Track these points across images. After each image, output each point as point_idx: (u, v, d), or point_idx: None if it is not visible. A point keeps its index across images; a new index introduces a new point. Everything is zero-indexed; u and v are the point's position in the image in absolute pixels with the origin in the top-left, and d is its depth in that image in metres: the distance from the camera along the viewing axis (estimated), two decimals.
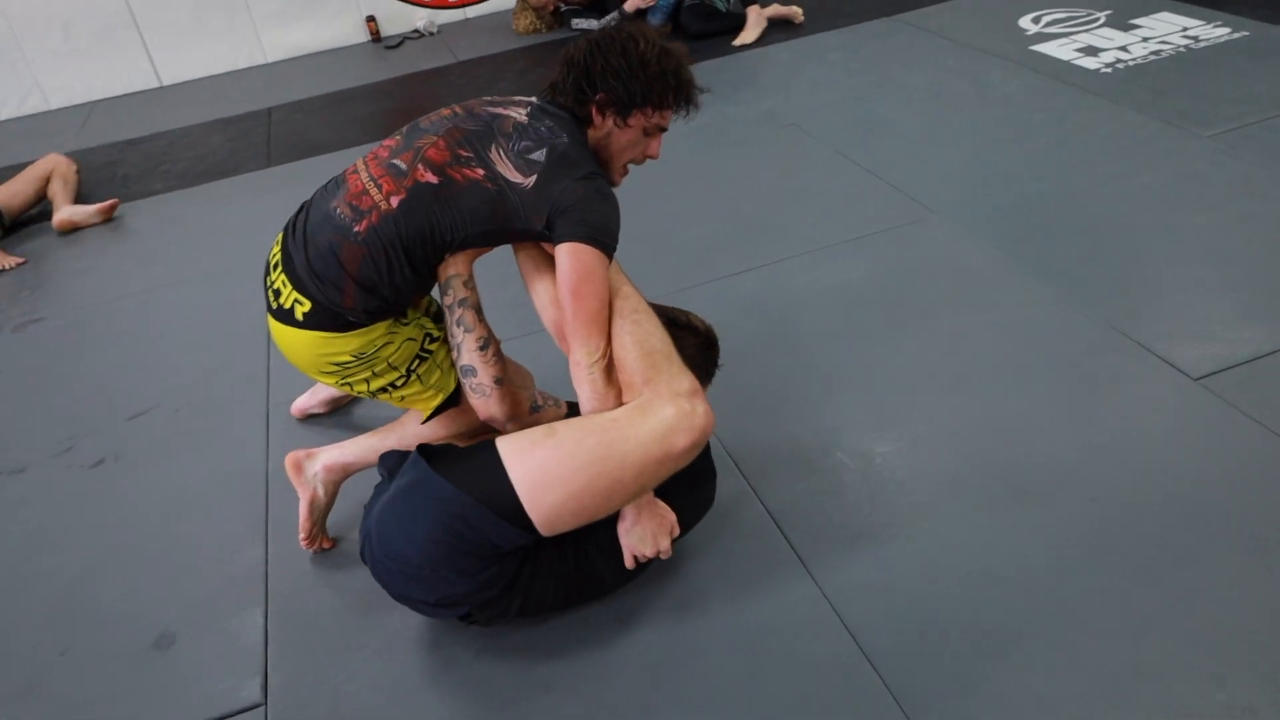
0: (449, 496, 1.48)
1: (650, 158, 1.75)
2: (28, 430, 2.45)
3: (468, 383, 1.70)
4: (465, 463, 1.54)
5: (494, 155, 1.61)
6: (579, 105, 1.66)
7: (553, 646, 1.64)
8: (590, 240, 1.57)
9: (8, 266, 3.37)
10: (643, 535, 1.57)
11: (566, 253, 1.56)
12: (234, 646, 1.73)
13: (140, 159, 4.24)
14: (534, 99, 1.73)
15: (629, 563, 1.59)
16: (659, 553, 1.58)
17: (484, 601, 1.54)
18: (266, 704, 1.61)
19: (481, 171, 1.60)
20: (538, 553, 1.54)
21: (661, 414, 1.48)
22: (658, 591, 1.70)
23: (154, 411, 2.45)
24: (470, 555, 1.49)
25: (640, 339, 1.57)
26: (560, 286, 1.57)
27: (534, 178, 1.60)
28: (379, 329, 1.68)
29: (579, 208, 1.58)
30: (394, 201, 1.60)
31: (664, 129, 1.71)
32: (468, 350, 1.69)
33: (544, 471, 1.47)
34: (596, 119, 1.67)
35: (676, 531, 1.60)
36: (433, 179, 1.60)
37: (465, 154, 1.62)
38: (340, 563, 1.88)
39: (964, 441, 1.94)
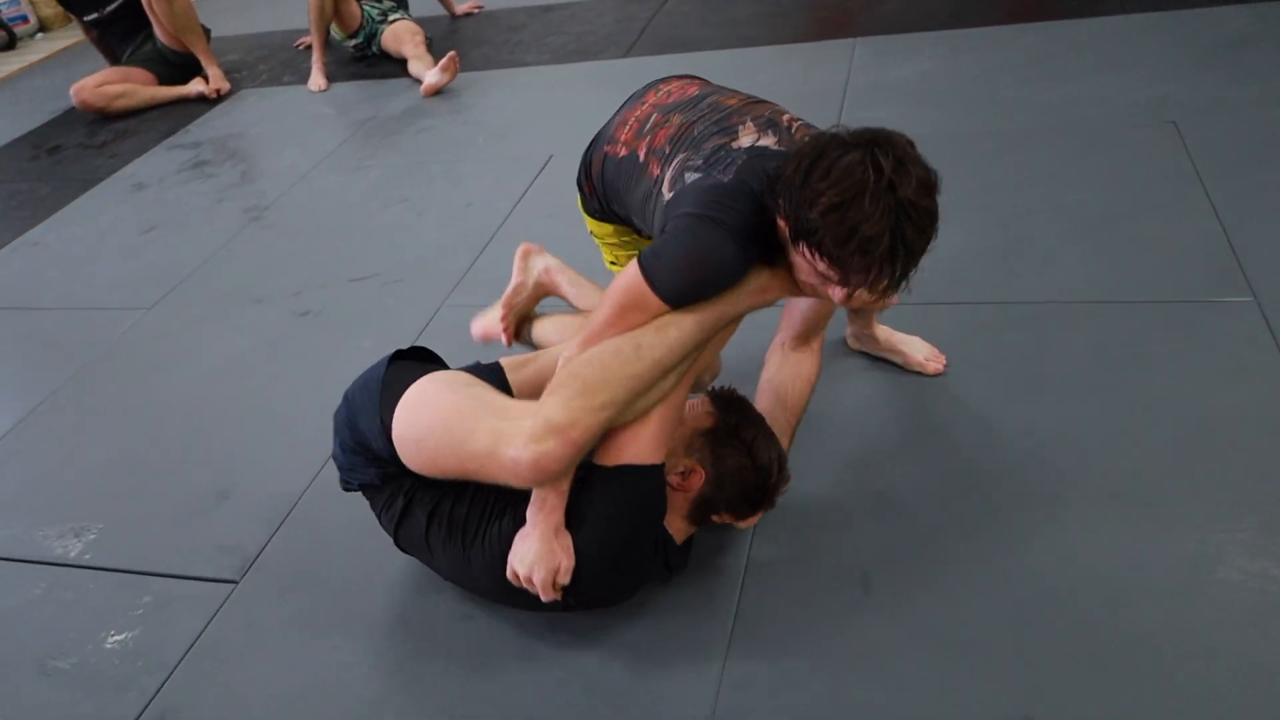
0: (373, 377, 1.59)
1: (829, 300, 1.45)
2: (296, 268, 2.88)
3: None
4: (410, 368, 1.60)
5: (676, 161, 1.53)
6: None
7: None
8: (646, 268, 1.41)
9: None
10: (523, 555, 1.45)
11: (626, 268, 1.45)
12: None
13: (541, 27, 4.55)
14: (778, 135, 1.52)
15: (509, 574, 1.48)
16: (526, 582, 1.46)
17: (371, 495, 1.64)
18: None
19: (658, 171, 1.57)
20: (413, 491, 1.57)
21: (516, 422, 1.38)
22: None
23: (370, 280, 2.73)
24: (358, 438, 1.57)
25: (595, 360, 1.42)
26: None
27: (671, 195, 1.49)
28: (609, 228, 1.87)
29: (666, 238, 1.43)
30: (621, 151, 1.68)
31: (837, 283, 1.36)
32: None
33: (416, 401, 1.50)
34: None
35: (562, 578, 1.46)
36: (641, 157, 1.63)
37: (669, 150, 1.57)
38: None
39: None
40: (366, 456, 1.58)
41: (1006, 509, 1.66)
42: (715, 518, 1.58)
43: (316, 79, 4.37)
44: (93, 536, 2.00)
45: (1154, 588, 1.48)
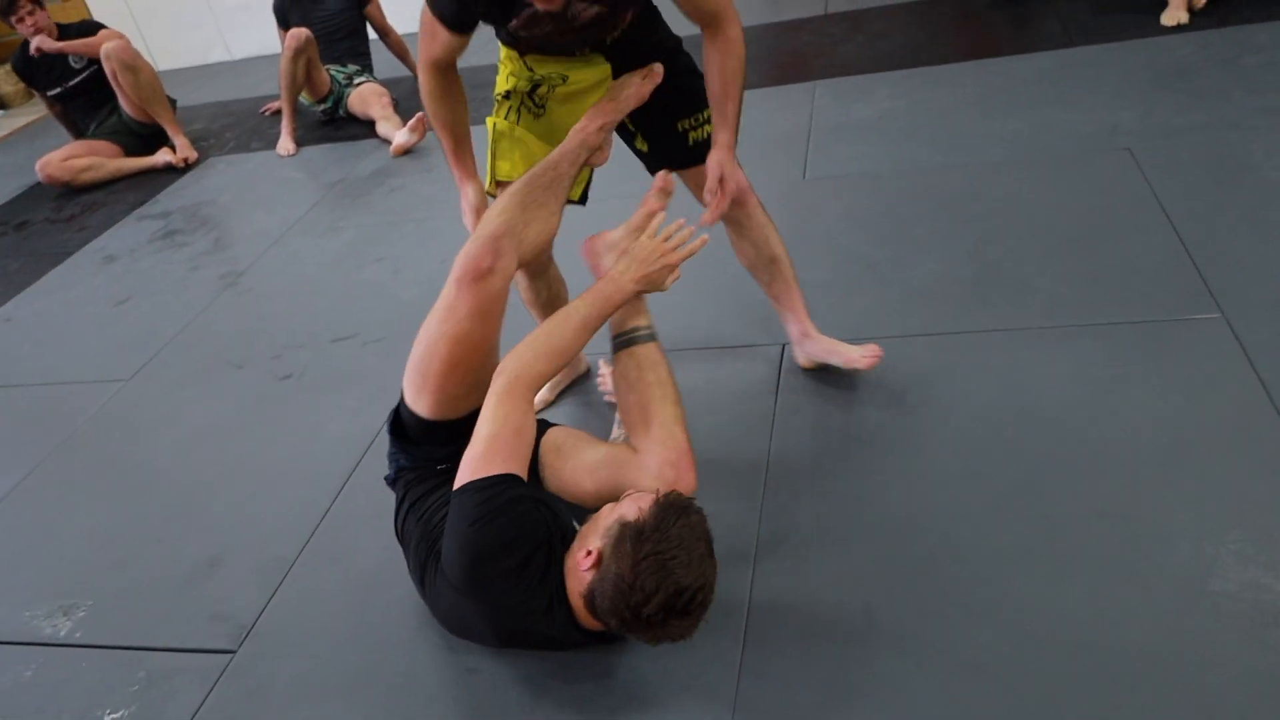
0: None
1: None
2: (275, 331, 2.88)
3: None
4: None
5: None
6: None
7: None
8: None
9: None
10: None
11: None
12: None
13: None
14: None
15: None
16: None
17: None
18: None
19: None
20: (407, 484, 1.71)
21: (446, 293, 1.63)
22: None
23: (351, 340, 2.74)
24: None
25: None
26: None
27: None
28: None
29: None
30: None
31: None
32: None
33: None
34: None
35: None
36: None
37: None
38: None
39: None
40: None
41: (998, 533, 1.68)
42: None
43: (285, 144, 4.39)
44: (82, 614, 1.97)
45: (1149, 602, 1.51)
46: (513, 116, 1.88)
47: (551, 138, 1.87)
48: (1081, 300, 2.22)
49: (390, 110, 4.37)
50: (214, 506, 2.20)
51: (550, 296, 2.08)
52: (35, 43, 4.37)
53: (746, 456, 1.98)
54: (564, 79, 1.85)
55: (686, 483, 1.58)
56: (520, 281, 2.04)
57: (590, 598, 1.43)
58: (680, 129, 1.94)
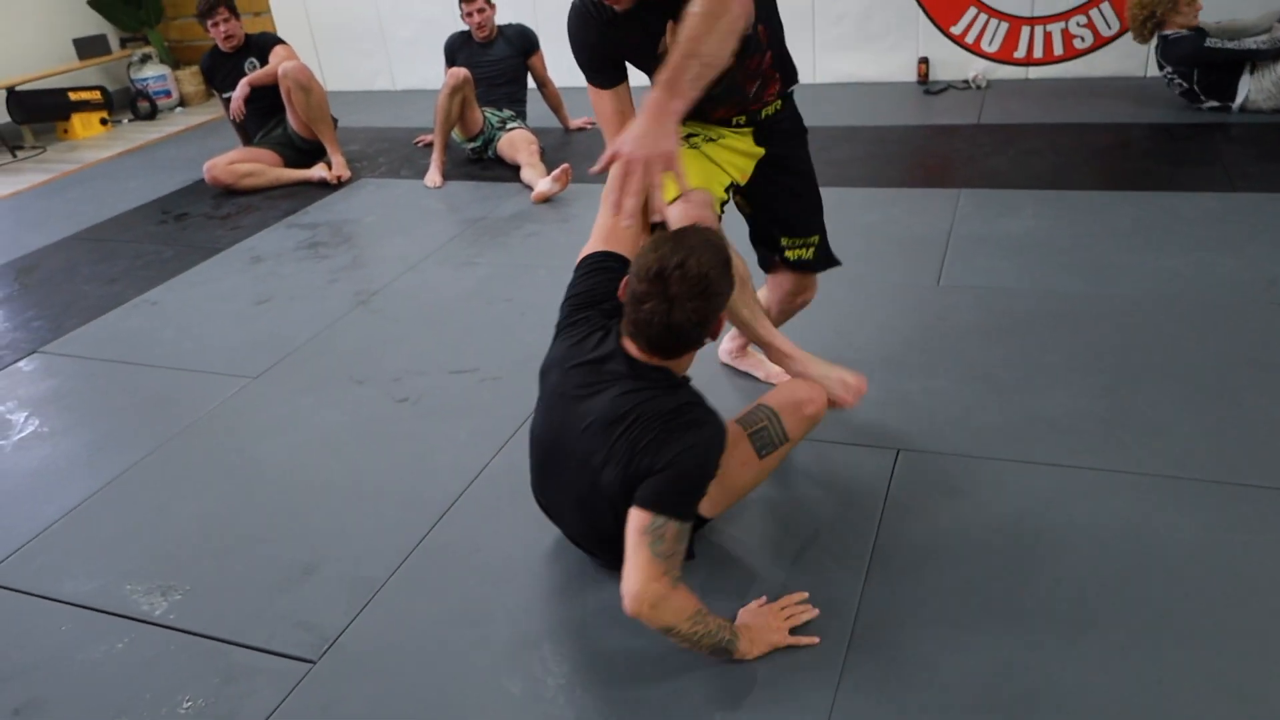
0: None
1: None
2: (398, 354, 2.97)
3: None
4: None
5: None
6: None
7: None
8: None
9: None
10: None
11: None
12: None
13: None
14: None
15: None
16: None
17: None
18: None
19: None
20: None
21: None
22: None
23: (470, 374, 2.80)
24: None
25: None
26: None
27: None
28: None
29: None
30: None
31: None
32: None
33: None
34: None
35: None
36: None
37: None
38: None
39: None
40: None
41: (1106, 687, 1.59)
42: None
43: (433, 175, 4.58)
44: (178, 597, 2.03)
45: None
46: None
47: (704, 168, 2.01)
48: (1218, 456, 2.12)
49: (536, 158, 4.51)
50: (316, 515, 2.26)
51: None
52: (233, 108, 4.76)
53: (844, 561, 1.93)
54: (719, 136, 1.99)
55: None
56: None
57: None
58: (783, 242, 2.18)
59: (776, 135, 2.06)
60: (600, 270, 1.84)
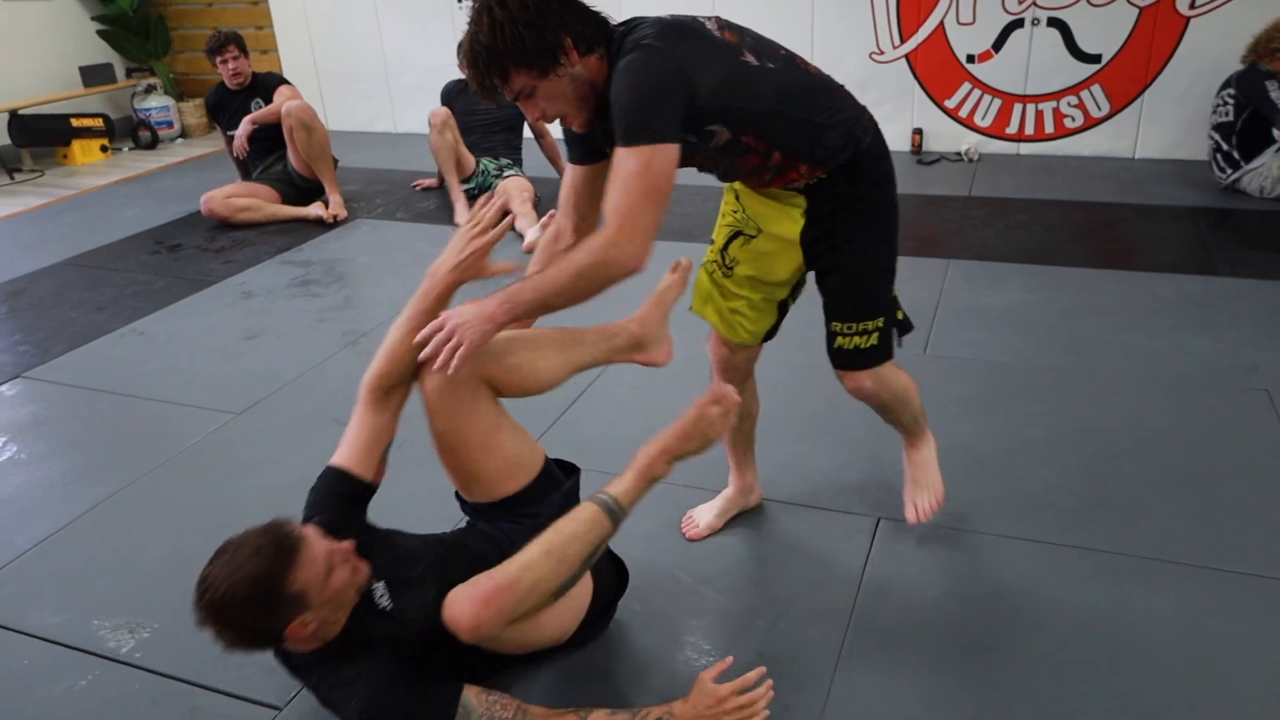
0: None
1: None
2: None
3: None
4: None
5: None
6: None
7: None
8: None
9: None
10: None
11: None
12: None
13: None
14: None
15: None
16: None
17: None
18: None
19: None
20: None
21: None
22: None
23: None
24: None
25: None
26: None
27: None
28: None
29: None
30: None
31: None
32: None
33: None
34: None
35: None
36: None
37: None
38: None
39: None
40: None
41: None
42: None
43: (462, 213, 4.56)
44: (146, 635, 2.00)
45: None
46: (711, 268, 2.01)
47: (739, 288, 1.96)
48: (1197, 539, 2.13)
49: (529, 207, 4.55)
50: None
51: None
52: (236, 146, 4.80)
53: (821, 629, 1.92)
54: (758, 231, 1.88)
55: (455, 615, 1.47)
56: None
57: None
58: (833, 327, 1.88)
59: (826, 200, 1.79)
60: (325, 501, 1.76)
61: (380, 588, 1.62)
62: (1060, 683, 1.76)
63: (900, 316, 1.93)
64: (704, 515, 2.25)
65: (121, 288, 4.06)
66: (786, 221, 1.83)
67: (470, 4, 1.54)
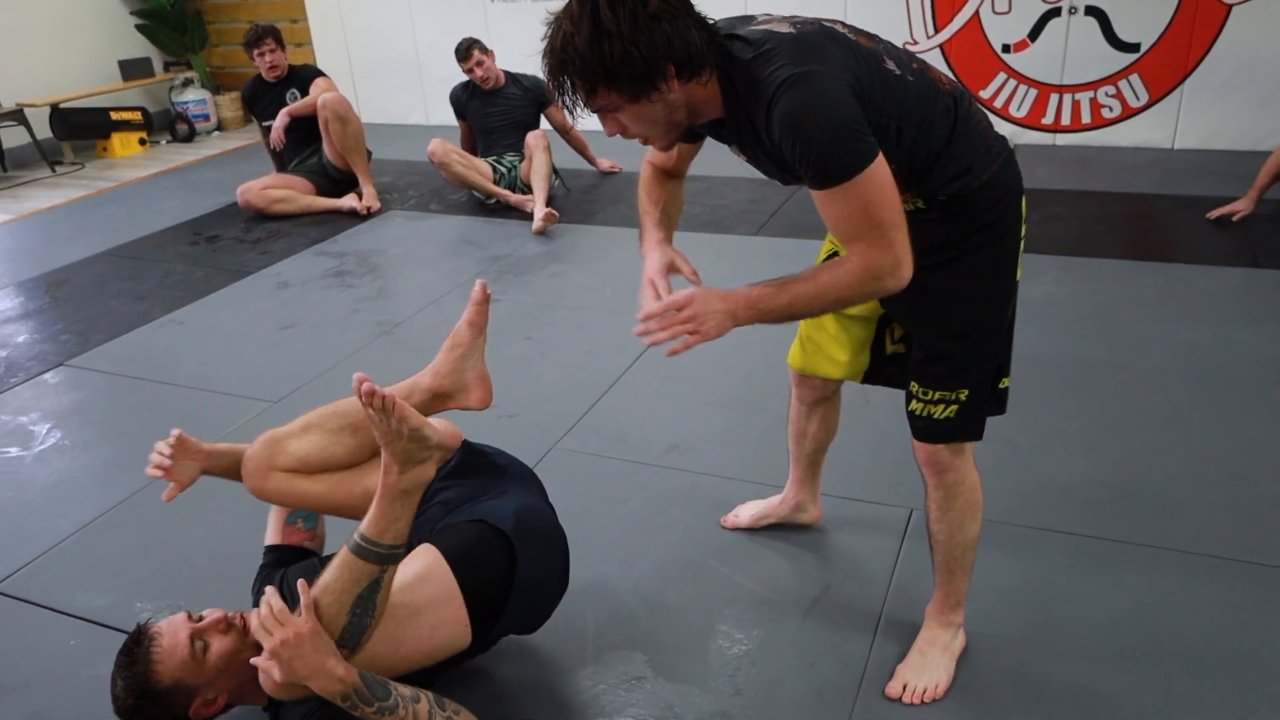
0: None
1: None
2: None
3: None
4: None
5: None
6: None
7: None
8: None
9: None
10: None
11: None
12: None
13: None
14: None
15: None
16: None
17: None
18: None
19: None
20: None
21: None
22: None
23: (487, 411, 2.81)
24: None
25: None
26: None
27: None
28: None
29: None
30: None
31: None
32: None
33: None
34: None
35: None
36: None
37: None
38: None
39: None
40: None
41: None
42: None
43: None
44: None
45: None
46: None
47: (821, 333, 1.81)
48: (1234, 534, 2.10)
49: (545, 185, 4.54)
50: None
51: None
52: (273, 137, 4.84)
53: (854, 618, 1.93)
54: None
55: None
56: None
57: None
58: (911, 386, 1.63)
59: (920, 236, 1.45)
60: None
61: None
62: (1095, 673, 1.75)
63: (1003, 387, 1.64)
64: (745, 511, 2.24)
65: (161, 278, 4.12)
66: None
67: None
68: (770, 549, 2.16)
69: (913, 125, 1.42)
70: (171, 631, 1.57)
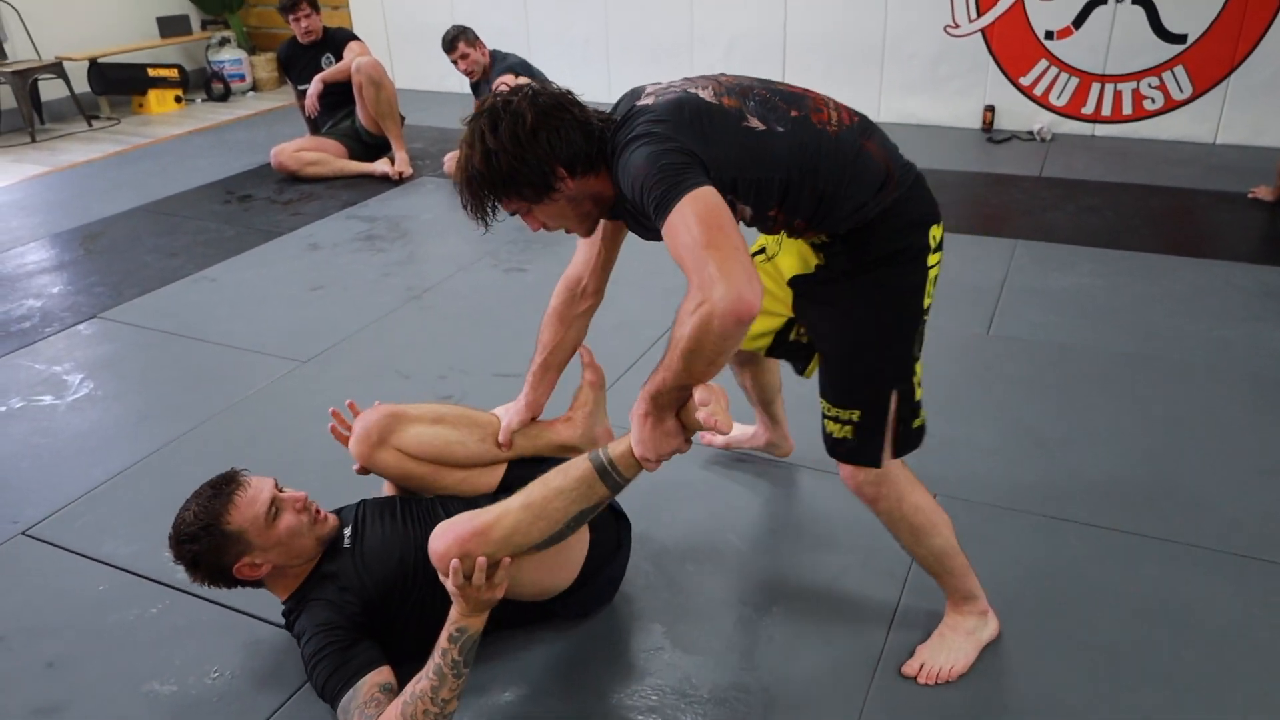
0: None
1: None
2: (445, 351, 3.02)
3: None
4: None
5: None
6: None
7: None
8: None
9: None
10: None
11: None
12: None
13: None
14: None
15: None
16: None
17: None
18: None
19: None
20: None
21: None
22: None
23: (512, 378, 2.83)
24: None
25: None
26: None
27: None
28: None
29: None
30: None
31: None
32: None
33: None
34: None
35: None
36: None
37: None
38: None
39: None
40: None
41: None
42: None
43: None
44: None
45: None
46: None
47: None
48: (1262, 533, 2.09)
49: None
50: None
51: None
52: (307, 104, 4.89)
53: (875, 596, 1.93)
54: (776, 253, 1.79)
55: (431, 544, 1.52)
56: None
57: None
58: (822, 406, 1.67)
59: (829, 265, 1.62)
60: None
61: (348, 531, 1.77)
62: (1116, 666, 1.75)
63: (916, 425, 1.66)
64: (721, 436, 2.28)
65: (193, 235, 4.16)
66: (798, 260, 1.70)
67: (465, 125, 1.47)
68: (790, 523, 2.17)
69: (785, 172, 1.47)
70: (259, 486, 1.70)
